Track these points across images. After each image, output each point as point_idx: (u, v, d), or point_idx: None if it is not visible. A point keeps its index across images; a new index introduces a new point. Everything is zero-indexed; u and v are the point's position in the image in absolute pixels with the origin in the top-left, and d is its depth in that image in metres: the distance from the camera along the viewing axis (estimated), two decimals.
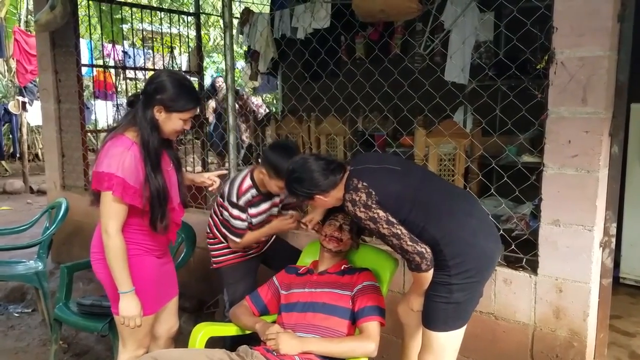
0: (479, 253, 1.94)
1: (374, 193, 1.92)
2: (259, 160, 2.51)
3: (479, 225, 1.98)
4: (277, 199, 2.63)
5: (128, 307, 2.04)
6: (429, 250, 1.90)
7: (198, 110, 2.10)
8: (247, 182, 2.51)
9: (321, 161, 2.05)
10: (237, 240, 2.56)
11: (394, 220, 1.91)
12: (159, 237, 2.17)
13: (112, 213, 1.98)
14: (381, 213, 1.91)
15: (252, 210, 2.53)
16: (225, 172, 2.74)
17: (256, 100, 7.45)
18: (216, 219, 2.67)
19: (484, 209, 2.11)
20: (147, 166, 2.00)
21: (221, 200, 2.59)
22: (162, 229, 2.09)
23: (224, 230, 2.58)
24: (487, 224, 2.03)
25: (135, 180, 1.97)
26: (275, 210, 2.67)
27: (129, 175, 1.95)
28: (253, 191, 2.51)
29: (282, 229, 2.56)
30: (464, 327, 2.01)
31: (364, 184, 1.94)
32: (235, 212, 2.49)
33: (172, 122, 2.04)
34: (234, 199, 2.48)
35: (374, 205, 1.91)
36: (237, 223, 2.51)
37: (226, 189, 2.55)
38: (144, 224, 2.09)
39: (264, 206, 2.58)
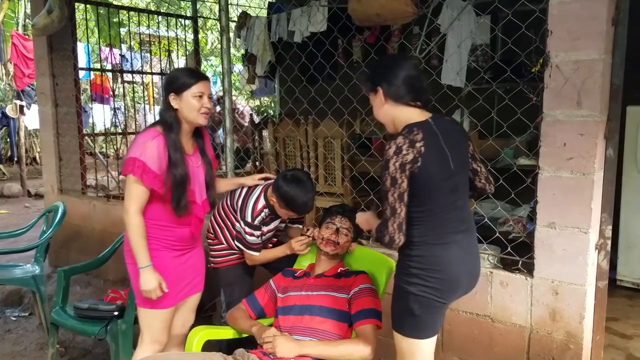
0: (449, 277, 1.82)
1: (420, 160, 1.74)
2: (272, 186, 2.48)
3: (462, 252, 1.86)
4: (285, 216, 2.63)
5: (147, 280, 2.14)
6: (402, 240, 1.78)
7: (209, 88, 2.23)
8: (262, 202, 2.52)
9: (413, 73, 1.88)
10: (256, 254, 2.58)
11: (406, 198, 1.77)
12: (181, 232, 2.26)
13: (132, 195, 2.13)
14: (405, 185, 1.75)
15: (264, 229, 2.56)
16: (270, 175, 2.68)
17: (240, 105, 7.43)
18: (222, 224, 2.70)
19: (475, 234, 1.99)
20: (170, 151, 2.13)
21: (232, 211, 2.61)
22: (181, 209, 2.19)
23: (238, 244, 2.59)
24: (472, 251, 1.92)
25: (157, 167, 2.11)
26: (282, 225, 2.70)
27: (150, 160, 2.10)
28: (267, 211, 2.53)
29: (295, 251, 2.57)
30: (430, 341, 1.89)
31: (422, 143, 1.74)
32: (249, 229, 2.51)
33: (187, 103, 2.18)
34: (249, 219, 2.50)
35: (407, 172, 1.75)
36: (252, 239, 2.53)
37: (238, 205, 2.57)
38: (165, 218, 2.21)
39: (274, 224, 2.62)
